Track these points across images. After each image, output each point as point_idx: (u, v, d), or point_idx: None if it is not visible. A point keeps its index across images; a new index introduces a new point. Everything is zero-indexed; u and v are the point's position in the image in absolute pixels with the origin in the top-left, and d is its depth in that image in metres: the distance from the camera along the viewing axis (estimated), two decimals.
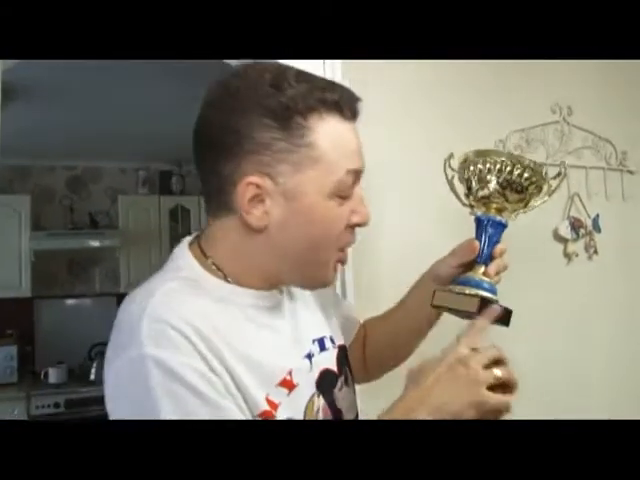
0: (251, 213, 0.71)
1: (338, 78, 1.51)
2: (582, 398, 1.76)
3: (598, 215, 1.83)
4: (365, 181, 1.49)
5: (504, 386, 0.72)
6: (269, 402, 0.71)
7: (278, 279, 0.79)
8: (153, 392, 0.64)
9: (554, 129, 1.81)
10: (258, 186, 0.70)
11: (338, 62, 1.52)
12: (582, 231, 1.80)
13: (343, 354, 0.89)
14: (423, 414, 0.69)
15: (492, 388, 0.71)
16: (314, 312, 0.90)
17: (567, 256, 1.80)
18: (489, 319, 0.77)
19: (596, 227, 1.83)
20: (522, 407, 1.61)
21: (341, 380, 0.85)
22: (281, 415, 0.72)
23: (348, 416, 0.84)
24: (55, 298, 4.31)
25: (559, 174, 0.95)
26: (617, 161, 1.90)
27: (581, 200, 1.82)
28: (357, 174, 0.74)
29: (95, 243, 4.21)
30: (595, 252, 1.82)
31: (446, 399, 0.69)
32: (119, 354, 0.67)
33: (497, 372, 0.71)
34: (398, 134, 1.61)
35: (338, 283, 1.47)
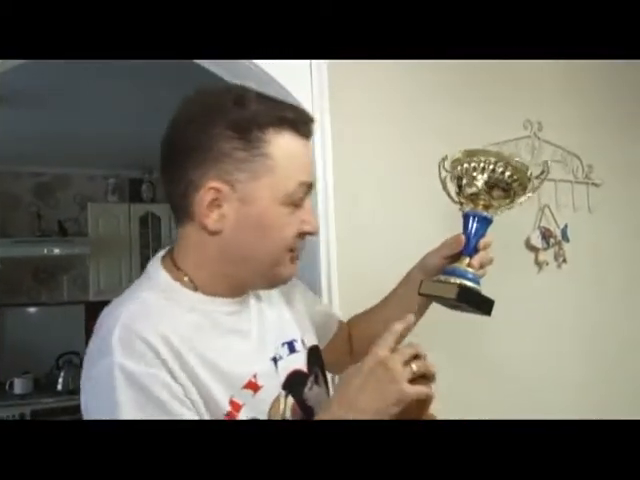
0: (208, 216, 0.78)
1: (324, 79, 1.56)
2: (553, 403, 1.84)
3: (567, 225, 1.93)
4: (351, 183, 1.53)
5: (425, 377, 0.78)
6: (232, 403, 0.77)
7: (242, 284, 0.85)
8: (118, 396, 0.70)
9: (526, 143, 1.90)
10: (218, 190, 0.77)
11: (324, 63, 1.56)
12: (552, 240, 1.89)
13: (314, 354, 0.95)
14: (347, 416, 0.75)
15: (414, 380, 0.76)
16: (283, 314, 0.95)
17: (538, 264, 1.89)
18: (405, 324, 0.82)
19: (565, 237, 1.92)
20: (497, 410, 1.68)
21: (311, 380, 0.91)
22: (244, 415, 0.78)
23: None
24: (21, 306, 4.24)
25: (542, 172, 1.01)
26: (583, 174, 2.00)
27: (551, 211, 1.92)
28: (308, 186, 0.82)
29: (64, 251, 4.14)
30: (564, 261, 1.92)
31: (369, 401, 0.75)
32: (95, 362, 0.74)
33: (413, 367, 0.76)
34: (378, 137, 1.68)
35: (324, 281, 1.51)
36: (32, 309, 4.28)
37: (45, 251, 4.11)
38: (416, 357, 0.78)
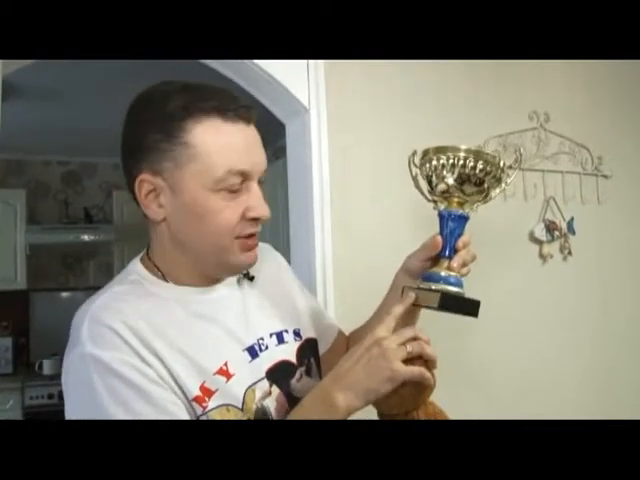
0: (149, 207, 0.82)
1: (321, 78, 1.58)
2: (557, 397, 1.84)
3: (573, 218, 1.91)
4: (347, 184, 1.52)
5: (426, 362, 0.78)
6: (203, 389, 0.79)
7: (203, 272, 0.86)
8: (94, 385, 0.73)
9: (531, 135, 1.89)
10: (150, 182, 0.80)
11: (321, 62, 1.59)
12: (557, 233, 1.88)
13: (310, 346, 0.96)
14: (337, 390, 0.76)
15: (412, 364, 0.77)
16: (277, 304, 0.95)
17: (542, 257, 1.88)
18: (405, 305, 0.84)
19: (571, 230, 1.91)
20: (499, 405, 1.69)
21: (300, 371, 0.92)
22: (216, 400, 0.80)
23: None
24: (50, 291, 4.38)
25: (516, 160, 0.97)
26: (593, 166, 1.97)
27: (556, 203, 1.90)
28: (242, 174, 0.80)
29: (90, 237, 4.27)
30: (569, 253, 1.90)
31: (359, 376, 0.76)
32: (68, 354, 0.77)
33: (408, 347, 0.77)
34: (375, 136, 1.69)
35: (320, 291, 1.53)
36: (60, 294, 4.43)
37: (72, 238, 4.25)
38: (415, 340, 0.78)
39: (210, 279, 0.88)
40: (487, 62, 1.81)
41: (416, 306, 0.89)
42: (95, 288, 0.86)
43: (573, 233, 1.91)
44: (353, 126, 1.66)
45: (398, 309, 0.83)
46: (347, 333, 1.11)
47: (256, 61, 1.48)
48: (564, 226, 1.90)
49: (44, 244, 4.16)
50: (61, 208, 4.38)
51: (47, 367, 3.86)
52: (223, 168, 0.79)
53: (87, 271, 4.51)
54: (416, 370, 0.77)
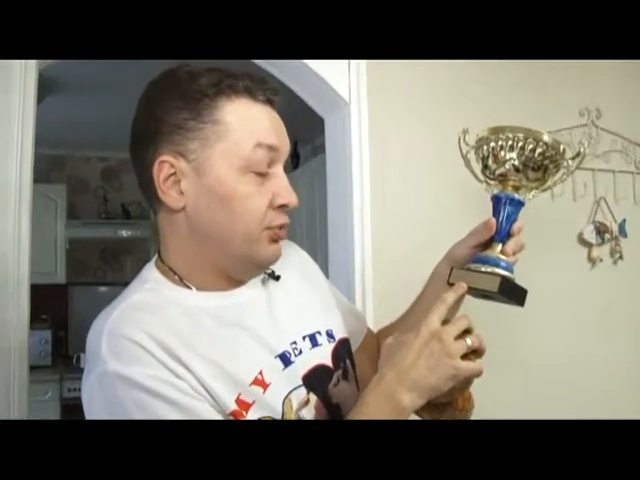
0: (168, 194, 0.75)
1: (362, 71, 1.55)
2: (604, 401, 1.76)
3: (625, 220, 1.82)
4: (387, 178, 1.47)
5: (475, 352, 0.76)
6: (240, 402, 0.73)
7: (224, 270, 0.79)
8: (124, 406, 0.66)
9: (582, 132, 1.80)
10: (172, 165, 0.74)
11: (363, 62, 1.56)
12: (607, 236, 1.79)
13: (344, 348, 0.90)
14: (403, 391, 0.72)
15: (465, 355, 0.74)
16: (307, 304, 0.89)
17: (591, 260, 1.80)
18: (457, 294, 0.79)
19: (622, 232, 1.81)
20: (545, 407, 1.63)
21: (337, 375, 0.86)
22: (254, 413, 0.73)
23: (348, 411, 0.82)
24: (88, 285, 4.44)
25: (578, 154, 0.93)
26: None
27: (607, 204, 1.81)
28: (271, 150, 0.76)
29: (127, 233, 4.31)
30: (620, 257, 1.81)
31: (424, 374, 0.72)
32: (87, 375, 0.70)
33: (468, 341, 0.74)
34: (416, 130, 1.64)
35: (358, 289, 1.48)
36: (98, 288, 4.48)
37: (110, 233, 4.31)
38: (467, 331, 0.75)
39: (232, 281, 0.81)
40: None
41: (469, 289, 0.84)
42: None
43: (625, 236, 1.82)
44: (393, 119, 1.61)
45: (450, 297, 0.78)
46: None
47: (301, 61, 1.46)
48: (615, 228, 1.81)
49: (83, 239, 4.22)
50: (100, 203, 4.44)
51: (84, 360, 3.91)
52: (252, 142, 0.74)
53: (125, 266, 4.56)
54: (477, 367, 0.74)
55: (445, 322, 0.76)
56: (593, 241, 1.78)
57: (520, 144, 0.85)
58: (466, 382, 0.77)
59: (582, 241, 1.79)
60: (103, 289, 4.49)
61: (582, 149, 0.93)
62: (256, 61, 1.56)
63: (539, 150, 0.84)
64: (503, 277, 0.82)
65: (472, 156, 0.95)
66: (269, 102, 0.78)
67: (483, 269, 0.84)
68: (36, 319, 4.01)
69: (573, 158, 0.92)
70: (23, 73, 1.27)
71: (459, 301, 0.88)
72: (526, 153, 0.85)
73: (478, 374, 0.75)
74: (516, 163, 0.86)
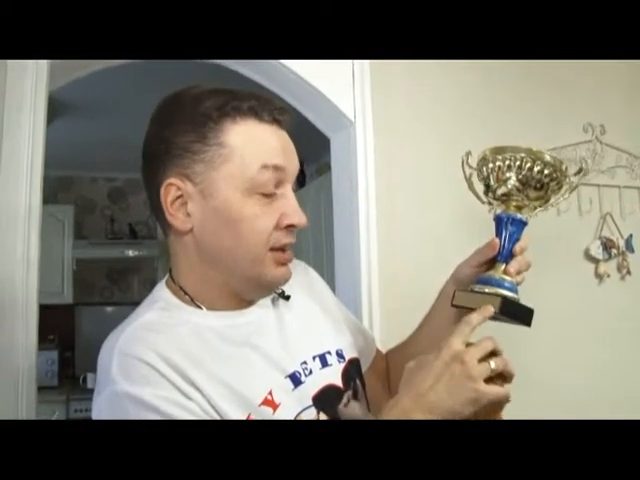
0: (175, 216, 0.76)
1: (367, 91, 1.56)
2: (616, 418, 1.74)
3: (631, 235, 1.81)
4: (392, 190, 1.46)
5: (502, 376, 0.73)
6: None
7: (233, 291, 0.80)
8: None
9: (586, 148, 1.80)
10: (178, 187, 0.75)
11: (367, 74, 1.57)
12: (614, 251, 1.78)
13: (354, 368, 0.89)
14: (418, 414, 0.70)
15: (491, 379, 0.71)
16: (316, 324, 0.89)
17: (598, 276, 1.79)
18: (483, 316, 0.77)
19: (629, 247, 1.81)
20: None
21: (347, 395, 0.85)
22: None
23: None
24: (95, 305, 4.46)
25: (580, 170, 0.93)
26: None
27: (614, 220, 1.81)
28: (277, 170, 0.76)
29: (134, 253, 4.33)
30: (628, 273, 1.80)
31: (442, 397, 0.70)
32: (98, 394, 0.70)
33: (492, 364, 0.71)
34: (421, 149, 1.65)
35: (365, 306, 1.48)
36: (105, 308, 4.50)
37: (117, 253, 4.32)
38: (493, 353, 0.72)
39: (242, 301, 0.81)
40: (539, 72, 1.74)
41: (465, 309, 0.83)
42: (140, 303, 0.82)
43: (632, 251, 1.81)
44: (399, 138, 1.62)
45: (476, 319, 0.76)
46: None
47: (301, 74, 1.47)
48: (622, 244, 1.80)
49: (90, 259, 4.24)
50: (107, 224, 4.47)
51: (91, 381, 3.91)
52: (257, 164, 0.75)
53: (132, 286, 4.58)
54: (502, 392, 0.71)
55: (468, 344, 0.74)
56: (600, 257, 1.77)
57: (518, 163, 0.85)
58: (494, 407, 0.73)
59: (589, 257, 1.79)
60: (110, 309, 4.50)
61: (584, 165, 0.94)
62: (260, 82, 1.58)
63: (537, 168, 0.84)
64: (504, 298, 0.81)
65: (475, 178, 0.96)
66: (276, 122, 0.78)
67: (486, 290, 0.84)
68: (43, 339, 3.99)
69: (575, 174, 0.92)
70: (34, 92, 1.27)
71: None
72: (524, 172, 0.85)
73: (504, 398, 0.72)
74: (515, 182, 0.86)
